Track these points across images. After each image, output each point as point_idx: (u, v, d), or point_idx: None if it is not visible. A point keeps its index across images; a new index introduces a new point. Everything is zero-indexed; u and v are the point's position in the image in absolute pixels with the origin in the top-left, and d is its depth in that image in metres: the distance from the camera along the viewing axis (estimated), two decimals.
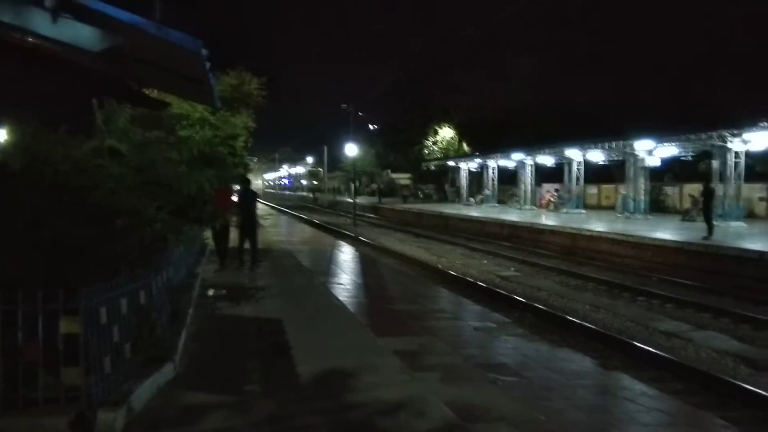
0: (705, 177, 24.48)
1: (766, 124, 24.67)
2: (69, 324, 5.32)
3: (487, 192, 49.97)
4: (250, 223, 15.71)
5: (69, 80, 7.07)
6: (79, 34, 5.94)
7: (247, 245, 15.66)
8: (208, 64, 6.89)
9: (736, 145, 27.12)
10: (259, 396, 6.15)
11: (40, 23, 5.61)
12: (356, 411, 5.78)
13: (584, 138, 36.33)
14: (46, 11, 5.66)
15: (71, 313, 5.30)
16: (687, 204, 33.10)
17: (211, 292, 11.34)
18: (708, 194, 22.30)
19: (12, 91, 6.58)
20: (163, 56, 7.25)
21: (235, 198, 15.97)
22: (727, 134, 26.67)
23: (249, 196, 16.04)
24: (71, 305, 5.27)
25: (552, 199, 42.15)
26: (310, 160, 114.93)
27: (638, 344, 10.54)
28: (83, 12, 5.90)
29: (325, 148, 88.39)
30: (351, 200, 44.45)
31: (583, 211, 37.85)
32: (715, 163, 28.11)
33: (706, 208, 22.08)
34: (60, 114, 6.71)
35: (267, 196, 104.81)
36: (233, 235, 15.90)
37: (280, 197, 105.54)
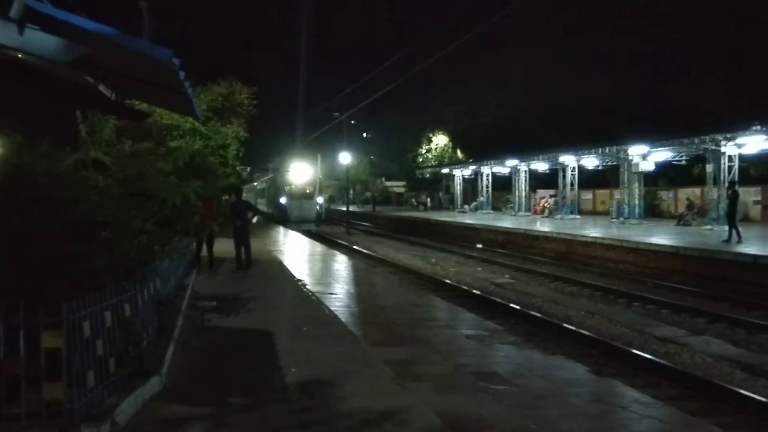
0: (731, 181, 23.65)
1: (759, 127, 24.63)
2: (51, 338, 5.25)
3: (481, 199, 49.88)
4: (243, 232, 16.10)
5: (50, 92, 7.00)
6: (47, 44, 5.88)
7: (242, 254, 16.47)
8: (182, 74, 6.81)
9: (729, 148, 27.14)
10: (246, 408, 6.07)
11: (6, 34, 5.53)
12: (344, 422, 5.70)
13: (578, 143, 36.32)
14: (12, 22, 5.58)
15: (54, 326, 5.23)
16: (682, 208, 33.10)
17: (200, 304, 11.24)
18: (734, 197, 21.63)
19: None
20: (136, 67, 7.19)
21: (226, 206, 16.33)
22: (720, 138, 26.67)
23: (241, 206, 16.54)
24: (54, 319, 5.20)
25: (547, 205, 42.13)
26: None
27: (633, 350, 10.45)
28: (49, 22, 5.84)
29: (318, 157, 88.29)
30: (345, 209, 44.30)
31: (578, 216, 37.83)
32: (709, 167, 28.12)
33: (732, 211, 21.24)
34: (43, 126, 6.64)
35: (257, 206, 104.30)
36: (225, 246, 16.21)
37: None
